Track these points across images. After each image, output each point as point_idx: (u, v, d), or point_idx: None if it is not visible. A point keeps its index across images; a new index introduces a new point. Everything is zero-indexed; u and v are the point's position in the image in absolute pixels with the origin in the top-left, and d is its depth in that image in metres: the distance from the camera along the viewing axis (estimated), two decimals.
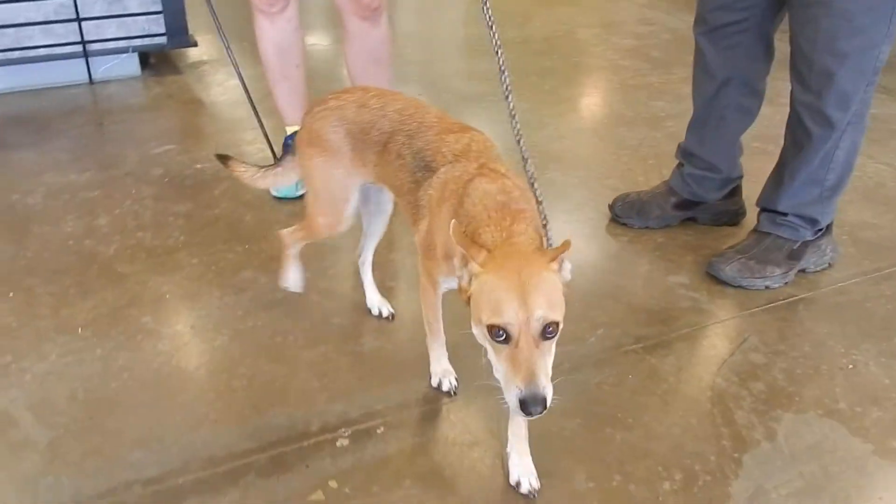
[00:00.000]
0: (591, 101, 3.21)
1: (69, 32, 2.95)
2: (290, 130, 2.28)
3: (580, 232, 2.14)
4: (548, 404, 1.02)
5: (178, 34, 3.12)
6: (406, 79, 3.16)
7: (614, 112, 3.02)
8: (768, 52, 1.89)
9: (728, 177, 2.06)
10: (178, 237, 2.05)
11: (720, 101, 1.96)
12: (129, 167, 2.43)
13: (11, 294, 1.82)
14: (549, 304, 1.04)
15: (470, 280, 1.11)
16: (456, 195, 1.23)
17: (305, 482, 1.34)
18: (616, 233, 2.13)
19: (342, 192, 1.51)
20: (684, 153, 2.09)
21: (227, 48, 2.40)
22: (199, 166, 2.43)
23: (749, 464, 1.40)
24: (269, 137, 2.39)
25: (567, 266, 1.12)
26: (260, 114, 2.41)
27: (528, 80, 3.26)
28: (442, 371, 1.55)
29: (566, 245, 1.10)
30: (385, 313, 1.76)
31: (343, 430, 1.44)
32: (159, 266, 1.92)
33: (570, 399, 1.52)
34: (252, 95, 2.42)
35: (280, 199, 2.24)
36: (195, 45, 3.19)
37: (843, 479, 1.37)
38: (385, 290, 1.82)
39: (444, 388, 1.54)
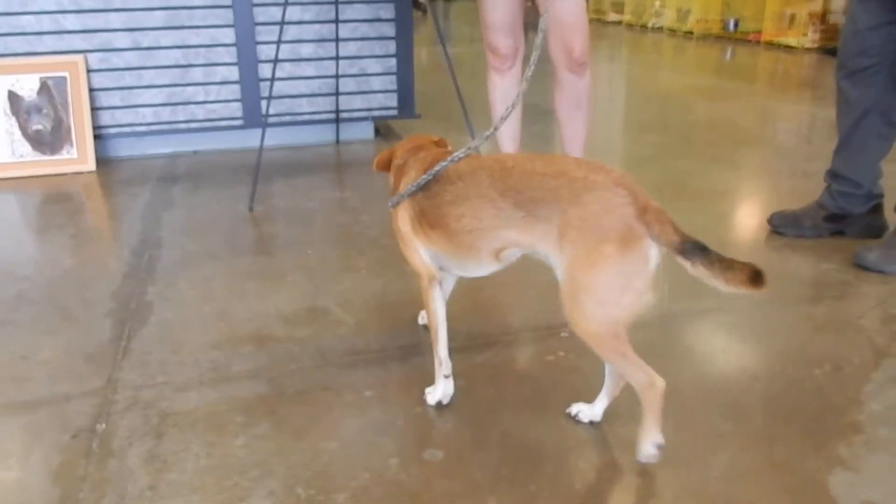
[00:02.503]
0: (749, 160, 3.69)
1: (327, 103, 3.86)
2: None
3: (739, 239, 2.60)
4: None
5: (407, 108, 3.96)
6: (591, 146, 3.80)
7: (770, 167, 3.49)
8: None
9: (870, 192, 2.48)
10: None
11: (860, 129, 2.42)
12: (377, 190, 3.17)
13: (310, 251, 2.52)
14: None
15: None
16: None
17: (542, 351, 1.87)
18: (773, 239, 2.58)
19: None
20: (832, 174, 2.53)
21: (459, 95, 3.14)
22: None
23: (885, 364, 1.78)
24: None
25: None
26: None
27: (692, 147, 3.81)
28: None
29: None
30: None
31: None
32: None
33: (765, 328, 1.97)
34: (473, 136, 3.13)
35: None
36: (419, 117, 4.01)
37: None
38: None
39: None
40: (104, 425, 1.60)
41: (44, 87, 3.49)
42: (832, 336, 1.92)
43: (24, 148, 3.48)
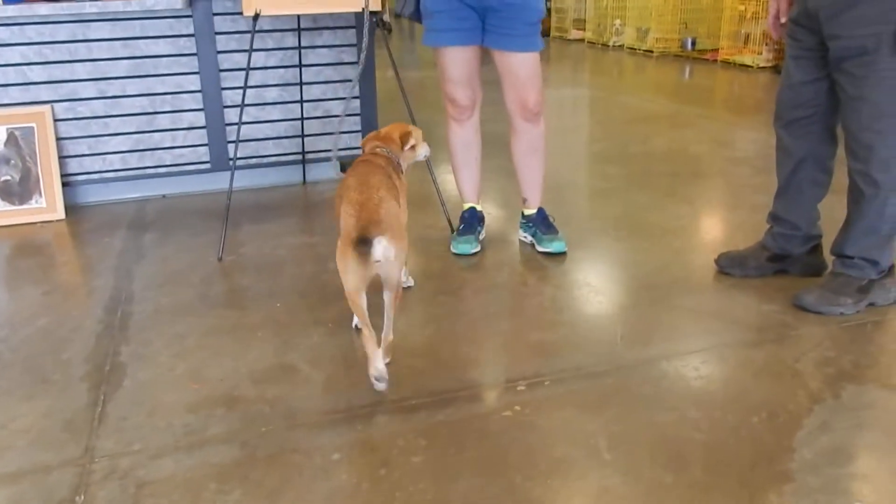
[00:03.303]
0: (703, 193, 3.85)
1: (293, 145, 3.96)
2: (466, 206, 3.06)
3: (689, 279, 2.74)
4: None
5: None
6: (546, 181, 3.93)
7: (721, 200, 3.65)
8: (833, 138, 2.51)
9: (808, 234, 2.63)
10: None
11: (797, 176, 2.57)
12: None
13: (279, 304, 2.61)
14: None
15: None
16: (390, 162, 2.38)
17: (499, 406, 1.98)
18: (721, 279, 2.72)
19: None
20: (773, 217, 2.69)
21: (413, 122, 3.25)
22: None
23: (817, 410, 1.92)
24: (448, 214, 3.19)
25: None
26: (442, 196, 3.22)
27: (650, 180, 3.97)
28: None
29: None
30: None
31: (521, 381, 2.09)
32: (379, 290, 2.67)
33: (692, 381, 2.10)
34: (437, 185, 3.25)
35: (457, 254, 2.97)
36: None
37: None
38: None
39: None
40: (83, 497, 1.68)
41: (11, 138, 3.54)
42: (769, 381, 2.06)
43: None
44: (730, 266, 2.73)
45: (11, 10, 3.41)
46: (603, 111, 6.25)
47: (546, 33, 11.65)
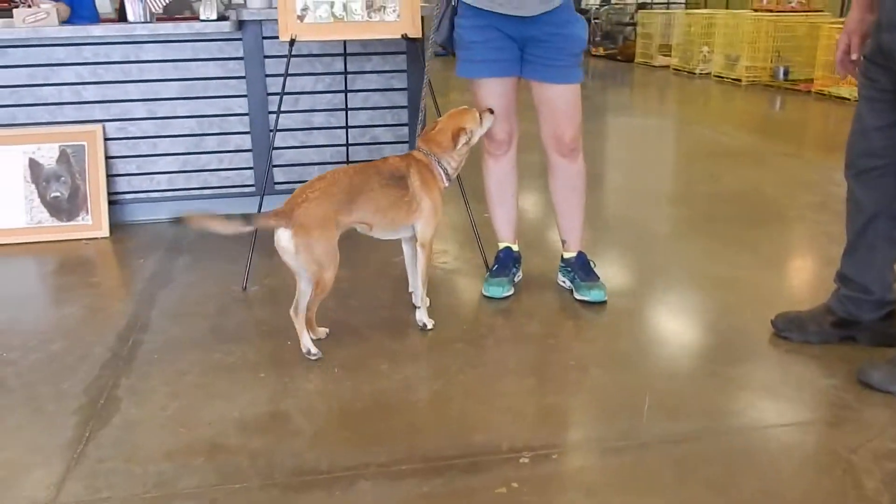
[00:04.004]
0: (773, 241, 3.51)
1: None
2: (501, 245, 2.86)
3: (738, 341, 2.45)
4: None
5: None
6: (604, 219, 3.69)
7: (793, 250, 3.31)
8: None
9: (881, 299, 2.30)
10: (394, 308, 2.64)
11: (869, 232, 2.26)
12: (374, 267, 3.11)
13: (289, 342, 2.48)
14: None
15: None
16: (420, 165, 2.42)
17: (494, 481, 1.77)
18: (776, 343, 2.42)
19: (335, 251, 2.28)
20: (841, 277, 2.37)
21: (461, 187, 3.09)
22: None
23: None
24: (484, 251, 3.00)
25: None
26: (478, 231, 3.04)
27: (714, 224, 3.66)
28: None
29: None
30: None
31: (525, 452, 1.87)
32: (394, 332, 2.51)
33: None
34: (474, 220, 3.07)
35: (489, 297, 2.78)
36: None
37: None
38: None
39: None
40: None
41: (63, 156, 3.58)
42: (815, 475, 1.77)
43: (42, 214, 3.57)
44: (788, 329, 2.43)
45: (68, 31, 3.46)
46: (676, 144, 5.93)
47: (631, 59, 11.33)
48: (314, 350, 2.34)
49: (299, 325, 2.33)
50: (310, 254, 2.22)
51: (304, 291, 2.32)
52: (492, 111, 2.55)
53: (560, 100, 2.56)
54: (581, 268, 2.77)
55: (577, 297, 2.74)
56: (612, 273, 2.91)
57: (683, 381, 2.22)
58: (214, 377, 2.27)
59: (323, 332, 2.46)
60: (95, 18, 4.53)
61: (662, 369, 2.30)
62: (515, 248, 2.87)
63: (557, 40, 2.50)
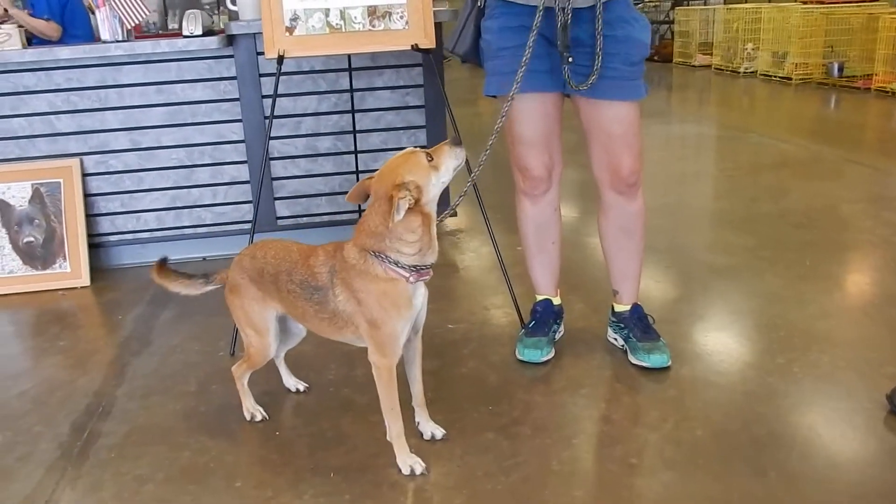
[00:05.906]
0: (860, 279, 2.96)
1: (349, 203, 3.38)
2: (539, 298, 2.35)
3: (851, 422, 1.92)
4: None
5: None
6: (653, 249, 3.15)
7: (887, 291, 2.75)
8: None
9: None
10: (426, 393, 2.14)
11: None
12: None
13: (277, 433, 2.01)
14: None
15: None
16: (349, 270, 1.70)
17: None
18: (894, 428, 1.88)
19: (262, 324, 1.92)
20: None
21: (486, 218, 2.59)
22: (450, 326, 2.57)
23: None
24: (518, 302, 2.50)
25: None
26: (510, 280, 2.53)
27: (784, 255, 3.10)
28: (412, 459, 1.79)
29: None
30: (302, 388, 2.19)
31: None
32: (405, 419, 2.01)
33: None
34: (504, 262, 2.57)
35: (524, 362, 2.28)
36: (455, 214, 3.48)
37: None
38: None
39: (417, 471, 1.77)
40: None
41: (36, 195, 3.16)
42: None
43: (14, 262, 3.15)
44: None
45: (32, 54, 3.03)
46: (728, 154, 5.34)
47: (668, 59, 10.71)
48: (258, 416, 2.07)
49: (239, 384, 2.08)
50: (232, 316, 1.99)
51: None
52: (457, 142, 1.70)
53: (615, 122, 2.05)
54: (637, 324, 2.25)
55: (634, 360, 2.22)
56: (672, 329, 2.39)
57: (775, 485, 1.69)
58: (178, 487, 1.80)
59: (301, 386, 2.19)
60: (90, 38, 4.13)
61: (752, 468, 1.77)
62: (557, 301, 2.36)
63: (612, 45, 1.98)
